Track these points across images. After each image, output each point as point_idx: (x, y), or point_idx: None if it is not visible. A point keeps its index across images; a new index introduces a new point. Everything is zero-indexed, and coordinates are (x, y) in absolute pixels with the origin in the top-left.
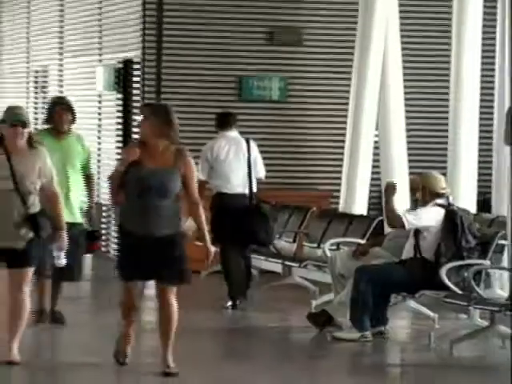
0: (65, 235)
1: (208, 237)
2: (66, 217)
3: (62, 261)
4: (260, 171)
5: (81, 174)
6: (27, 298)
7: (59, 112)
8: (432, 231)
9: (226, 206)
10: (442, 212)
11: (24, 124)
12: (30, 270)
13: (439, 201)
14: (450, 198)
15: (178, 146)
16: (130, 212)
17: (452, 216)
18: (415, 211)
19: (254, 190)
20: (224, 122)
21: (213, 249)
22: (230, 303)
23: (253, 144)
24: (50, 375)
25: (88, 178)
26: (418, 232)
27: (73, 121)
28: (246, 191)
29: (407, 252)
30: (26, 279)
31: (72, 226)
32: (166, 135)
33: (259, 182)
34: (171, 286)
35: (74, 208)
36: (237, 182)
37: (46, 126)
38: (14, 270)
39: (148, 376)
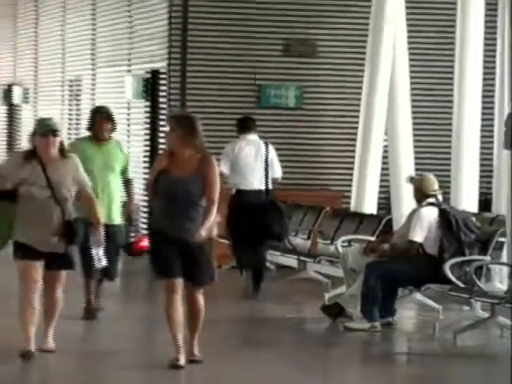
0: (102, 230)
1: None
2: (107, 219)
3: (103, 262)
4: (277, 172)
5: (120, 178)
6: (60, 296)
7: (100, 121)
8: (432, 230)
9: (243, 202)
10: (434, 210)
11: (55, 133)
12: (64, 273)
13: (430, 200)
14: (440, 198)
15: (203, 153)
16: (160, 216)
17: (445, 214)
18: (420, 225)
19: (270, 187)
20: (244, 126)
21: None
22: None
23: (271, 147)
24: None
25: (127, 182)
26: None
27: (113, 129)
28: (263, 188)
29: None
30: (60, 280)
31: (112, 227)
32: (192, 144)
33: (275, 182)
34: (201, 287)
35: (114, 210)
36: (254, 180)
37: (88, 134)
38: (50, 272)
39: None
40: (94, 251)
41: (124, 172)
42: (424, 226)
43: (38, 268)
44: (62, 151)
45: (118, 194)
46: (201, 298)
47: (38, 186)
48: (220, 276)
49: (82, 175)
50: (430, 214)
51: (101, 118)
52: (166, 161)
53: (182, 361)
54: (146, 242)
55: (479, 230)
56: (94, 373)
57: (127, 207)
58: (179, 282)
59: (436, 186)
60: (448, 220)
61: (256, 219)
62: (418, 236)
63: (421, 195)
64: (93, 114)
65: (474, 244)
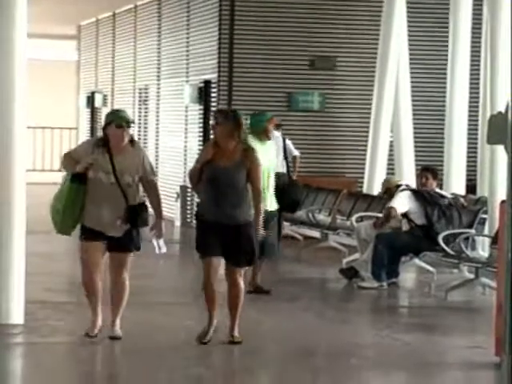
0: (163, 224)
1: (260, 224)
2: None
3: (163, 249)
4: (294, 151)
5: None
6: (126, 282)
7: (271, 123)
8: (412, 205)
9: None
10: (407, 191)
11: (129, 124)
12: (129, 255)
13: (402, 187)
14: (405, 183)
15: (246, 145)
16: (206, 203)
17: (417, 191)
18: (399, 197)
19: (290, 169)
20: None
21: (262, 233)
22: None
23: (288, 141)
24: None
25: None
26: (406, 214)
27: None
28: (284, 170)
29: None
30: (125, 265)
31: (268, 213)
32: (236, 137)
33: (296, 160)
34: (239, 268)
35: (269, 199)
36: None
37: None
38: (114, 254)
39: (216, 344)
40: (154, 241)
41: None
42: (402, 198)
43: (100, 249)
44: (132, 141)
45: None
46: (241, 281)
47: (104, 171)
48: None
49: (148, 164)
50: (404, 193)
51: (268, 121)
52: (211, 151)
53: (209, 337)
54: None
55: (465, 208)
56: None
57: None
58: (218, 261)
59: (397, 179)
60: (422, 194)
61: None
62: (395, 203)
63: (390, 191)
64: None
65: (451, 207)
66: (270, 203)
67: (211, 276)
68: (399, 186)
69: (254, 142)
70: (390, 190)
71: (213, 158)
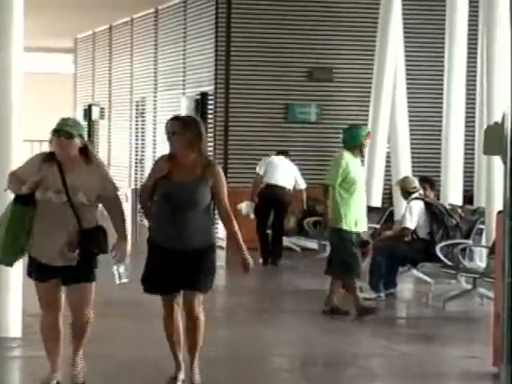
0: (126, 247)
1: (245, 248)
2: (354, 227)
3: (123, 278)
4: (301, 183)
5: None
6: (89, 316)
7: (366, 139)
8: (422, 218)
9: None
10: (421, 203)
11: (67, 135)
12: (88, 287)
13: (415, 195)
14: (421, 192)
15: (207, 158)
16: (159, 225)
17: (429, 205)
18: (410, 216)
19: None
20: (280, 152)
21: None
22: (261, 260)
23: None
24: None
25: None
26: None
27: None
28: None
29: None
30: (85, 298)
31: (357, 235)
32: (196, 148)
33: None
34: (198, 292)
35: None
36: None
37: (350, 149)
38: (70, 287)
39: None
40: (114, 267)
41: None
42: (414, 215)
43: (56, 286)
44: (87, 155)
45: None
46: (200, 310)
47: (54, 190)
48: (252, 254)
49: (109, 182)
50: (418, 206)
51: (364, 137)
52: (166, 166)
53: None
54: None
55: (463, 219)
56: None
57: None
58: (177, 297)
59: (415, 184)
60: (433, 209)
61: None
62: (409, 223)
63: (404, 192)
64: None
65: (456, 228)
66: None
67: (170, 313)
68: (411, 192)
69: (348, 157)
70: (404, 191)
71: (168, 174)
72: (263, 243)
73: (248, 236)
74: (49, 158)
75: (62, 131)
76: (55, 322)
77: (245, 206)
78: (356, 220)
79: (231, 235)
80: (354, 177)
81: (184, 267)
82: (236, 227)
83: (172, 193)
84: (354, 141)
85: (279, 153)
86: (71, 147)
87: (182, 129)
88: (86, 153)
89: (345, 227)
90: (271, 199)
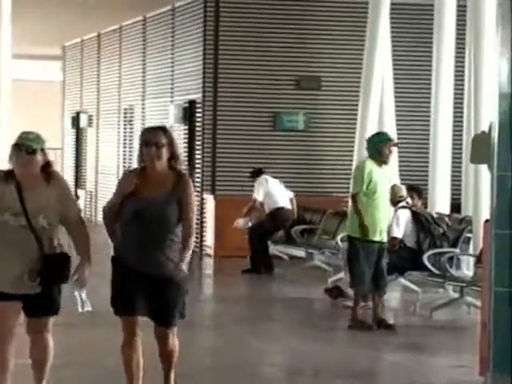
0: (87, 271)
1: (186, 261)
2: (378, 236)
3: (87, 306)
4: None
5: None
6: (50, 345)
7: (390, 146)
8: (409, 227)
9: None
10: (407, 212)
11: (29, 149)
12: (48, 319)
13: (402, 204)
14: (409, 201)
15: (179, 171)
16: (126, 245)
17: (416, 214)
18: (397, 225)
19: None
20: (260, 171)
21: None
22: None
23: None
24: None
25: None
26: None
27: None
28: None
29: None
30: (46, 327)
31: (385, 243)
32: (173, 160)
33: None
34: (170, 327)
35: (385, 229)
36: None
37: (372, 158)
38: (31, 318)
39: None
40: (76, 293)
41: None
42: (401, 225)
43: (11, 314)
44: (48, 172)
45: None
46: (174, 340)
47: (12, 212)
48: (245, 264)
49: (72, 201)
50: (404, 215)
51: (385, 144)
52: (134, 181)
53: None
54: None
55: (450, 227)
56: None
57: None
58: (139, 322)
59: (402, 193)
60: (420, 218)
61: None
62: (396, 232)
63: (391, 201)
64: (376, 140)
65: (443, 237)
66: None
67: (135, 342)
68: (398, 201)
69: (368, 165)
70: (391, 200)
71: (137, 189)
72: (267, 254)
73: (240, 245)
74: (6, 176)
75: (23, 145)
76: (4, 353)
77: (243, 223)
78: (380, 229)
79: (184, 245)
80: (374, 186)
81: (155, 295)
82: (192, 246)
83: (142, 210)
84: (370, 149)
85: (259, 172)
86: (33, 164)
87: (165, 139)
88: (48, 170)
89: (358, 236)
90: (284, 221)
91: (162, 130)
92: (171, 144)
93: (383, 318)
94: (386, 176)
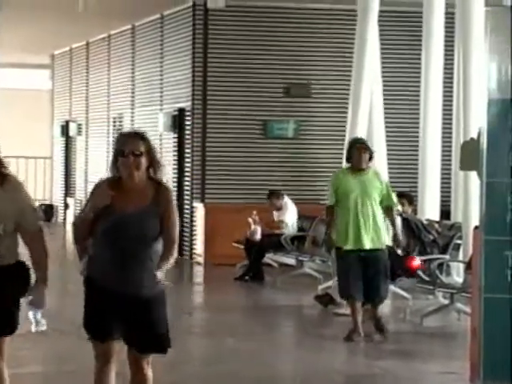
0: (44, 290)
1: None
2: (371, 243)
3: (41, 326)
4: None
5: (380, 206)
6: (4, 374)
7: (359, 149)
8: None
9: None
10: (398, 219)
11: None
12: (4, 340)
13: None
14: (399, 208)
15: (159, 181)
16: (101, 264)
17: (407, 221)
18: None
19: None
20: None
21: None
22: (241, 273)
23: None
24: None
25: (388, 209)
26: None
27: (370, 159)
28: None
29: None
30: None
31: (377, 251)
32: (152, 169)
33: None
34: (146, 354)
35: (375, 236)
36: None
37: (347, 164)
38: None
39: None
40: (30, 314)
41: (383, 200)
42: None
43: None
44: (2, 177)
45: (379, 221)
46: (148, 368)
47: None
48: (235, 272)
49: (28, 206)
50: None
51: (358, 148)
52: (109, 193)
53: None
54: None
55: (440, 234)
56: None
57: (393, 232)
58: (115, 347)
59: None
60: (411, 225)
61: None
62: (387, 240)
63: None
64: (350, 146)
65: (433, 244)
66: (380, 240)
67: (109, 370)
68: None
69: (342, 173)
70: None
71: (113, 202)
72: (260, 263)
73: (230, 253)
74: None
75: None
76: None
77: (259, 232)
78: (354, 237)
79: (164, 257)
80: (342, 193)
81: (130, 316)
82: (172, 259)
83: (120, 225)
84: (346, 154)
85: (274, 193)
86: None
87: (143, 147)
88: (1, 172)
89: (338, 245)
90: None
91: (140, 136)
92: (150, 151)
93: (381, 324)
94: (365, 182)
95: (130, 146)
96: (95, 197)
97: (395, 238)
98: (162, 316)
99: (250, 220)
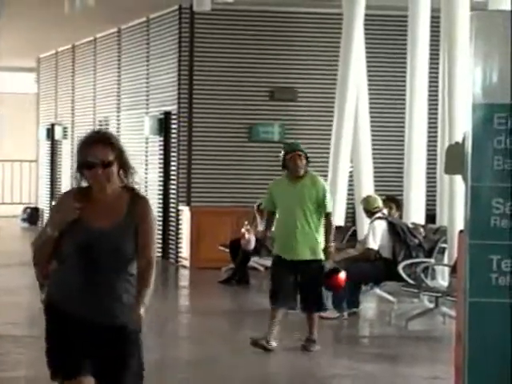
0: None
1: (144, 305)
2: (302, 254)
3: None
4: None
5: (319, 213)
6: None
7: (294, 158)
8: (385, 238)
9: None
10: (383, 223)
11: None
12: None
13: (378, 214)
14: (385, 212)
15: (134, 190)
16: (67, 289)
17: (393, 225)
18: (373, 237)
19: None
20: None
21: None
22: (226, 277)
23: None
24: None
25: (325, 216)
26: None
27: (307, 164)
28: None
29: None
30: None
31: (312, 262)
32: (119, 177)
33: None
34: None
35: (308, 247)
36: None
37: (284, 172)
38: None
39: None
40: None
41: (321, 207)
42: (377, 236)
43: None
44: None
45: (315, 230)
46: None
47: None
48: (220, 276)
49: None
50: (380, 226)
51: (293, 155)
52: (77, 206)
53: None
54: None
55: (425, 238)
56: None
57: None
58: (88, 381)
59: (377, 203)
60: (396, 229)
61: None
62: (372, 244)
63: (367, 212)
64: (285, 153)
65: (419, 247)
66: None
67: None
68: (374, 212)
69: (277, 180)
70: (367, 210)
71: (81, 216)
72: (245, 266)
73: (216, 256)
74: None
75: None
76: None
77: (253, 242)
78: (287, 246)
79: (139, 292)
80: (278, 202)
81: (101, 349)
82: (152, 283)
83: (90, 243)
84: (282, 162)
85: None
86: None
87: (112, 153)
88: None
89: (273, 252)
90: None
91: (107, 141)
92: (120, 156)
93: (312, 338)
94: (302, 191)
95: (97, 156)
96: (59, 212)
97: (325, 249)
98: (136, 351)
99: (243, 230)
